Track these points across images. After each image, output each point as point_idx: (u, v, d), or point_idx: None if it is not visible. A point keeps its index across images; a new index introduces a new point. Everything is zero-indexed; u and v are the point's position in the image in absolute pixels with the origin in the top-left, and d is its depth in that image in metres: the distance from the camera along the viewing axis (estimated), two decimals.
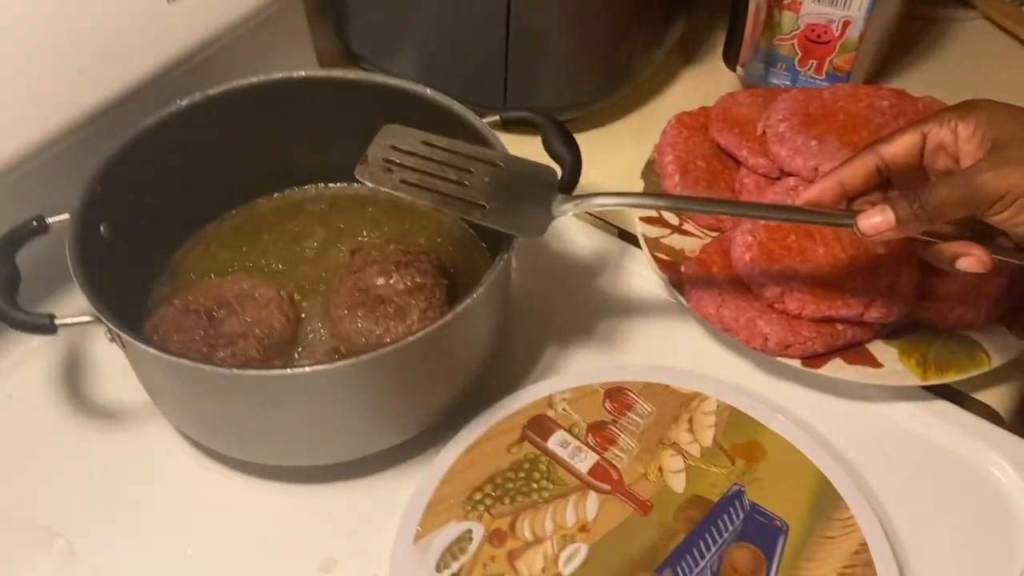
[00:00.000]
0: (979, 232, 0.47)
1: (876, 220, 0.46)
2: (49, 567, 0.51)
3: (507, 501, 0.52)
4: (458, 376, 0.56)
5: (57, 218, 0.52)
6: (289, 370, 0.47)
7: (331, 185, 0.67)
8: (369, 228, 0.65)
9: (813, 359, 0.56)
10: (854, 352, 0.57)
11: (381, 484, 0.55)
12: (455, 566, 0.50)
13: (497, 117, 0.58)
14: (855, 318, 0.56)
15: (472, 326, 0.54)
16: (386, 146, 0.53)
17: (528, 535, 0.51)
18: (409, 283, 0.58)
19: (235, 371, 0.48)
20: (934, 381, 0.55)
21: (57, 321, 0.48)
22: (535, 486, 0.53)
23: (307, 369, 0.47)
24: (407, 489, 0.53)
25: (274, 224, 0.65)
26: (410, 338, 0.48)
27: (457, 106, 0.59)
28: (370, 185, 0.51)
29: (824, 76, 0.74)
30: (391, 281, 0.58)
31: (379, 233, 0.64)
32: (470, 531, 0.51)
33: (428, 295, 0.58)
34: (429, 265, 0.59)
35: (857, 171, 0.49)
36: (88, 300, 0.48)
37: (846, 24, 0.70)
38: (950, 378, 0.55)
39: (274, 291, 0.59)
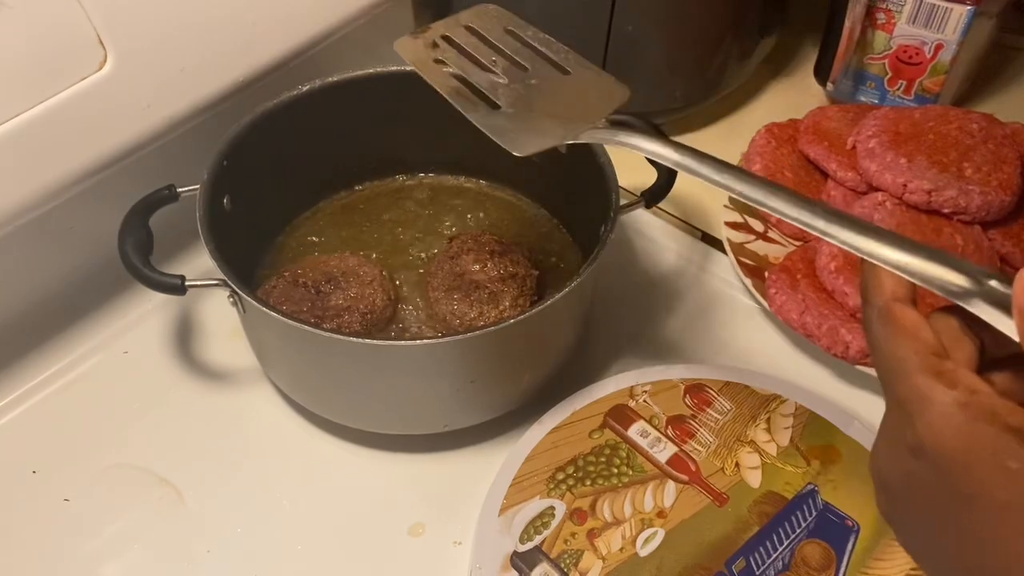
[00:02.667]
0: None
1: None
2: (160, 509, 0.55)
3: (588, 483, 0.55)
4: (546, 361, 0.58)
5: (186, 188, 0.56)
6: (399, 341, 0.51)
7: (430, 175, 0.71)
8: (463, 218, 0.68)
9: None
10: None
11: (469, 458, 0.58)
12: (537, 539, 0.52)
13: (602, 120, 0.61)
14: None
15: (562, 316, 0.57)
16: (459, 24, 0.50)
17: (608, 516, 0.54)
18: (502, 271, 0.61)
19: (350, 338, 0.51)
20: None
21: (187, 282, 0.52)
22: (615, 471, 0.56)
23: (416, 342, 0.50)
24: (493, 465, 0.55)
25: (377, 208, 0.68)
26: (511, 320, 0.51)
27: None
28: (401, 55, 0.49)
29: (912, 96, 0.75)
30: (486, 268, 0.61)
31: (473, 223, 0.68)
32: (552, 508, 0.54)
33: (519, 284, 0.61)
34: (521, 256, 0.62)
35: None
36: (217, 265, 0.51)
37: (939, 47, 0.72)
38: None
39: (377, 270, 0.62)
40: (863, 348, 0.57)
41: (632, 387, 0.59)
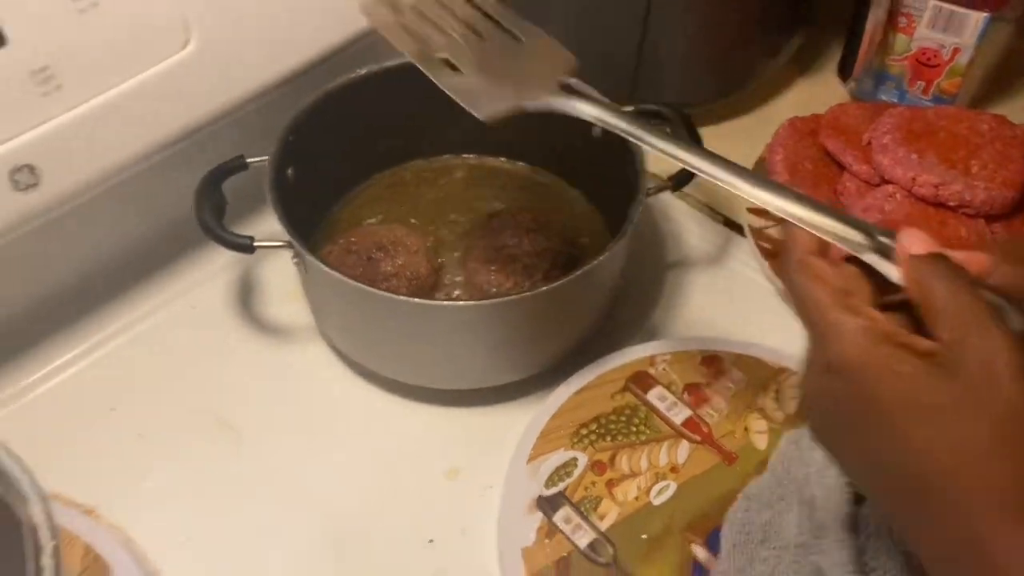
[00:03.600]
0: None
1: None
2: (221, 451, 0.61)
3: (608, 439, 0.60)
4: (573, 328, 0.64)
5: (255, 159, 0.62)
6: (442, 302, 0.57)
7: (474, 156, 0.76)
8: (503, 197, 0.73)
9: None
10: None
11: (502, 413, 0.63)
12: (561, 485, 0.58)
13: (632, 108, 0.66)
14: None
15: (589, 288, 0.62)
16: None
17: (625, 468, 0.59)
18: (537, 246, 0.66)
19: (400, 297, 0.57)
20: None
21: (255, 243, 0.58)
22: (634, 429, 0.61)
23: (456, 303, 0.57)
24: (523, 419, 0.61)
25: (423, 185, 0.74)
26: (542, 288, 0.57)
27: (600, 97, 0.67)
28: (364, 17, 0.53)
29: (930, 97, 0.80)
30: (522, 244, 0.66)
31: (512, 202, 0.73)
32: (575, 459, 0.59)
33: (552, 258, 0.66)
34: (555, 233, 0.68)
35: None
36: (284, 228, 0.57)
37: (956, 51, 0.76)
38: None
39: (422, 242, 0.68)
40: None
41: (653, 356, 0.64)
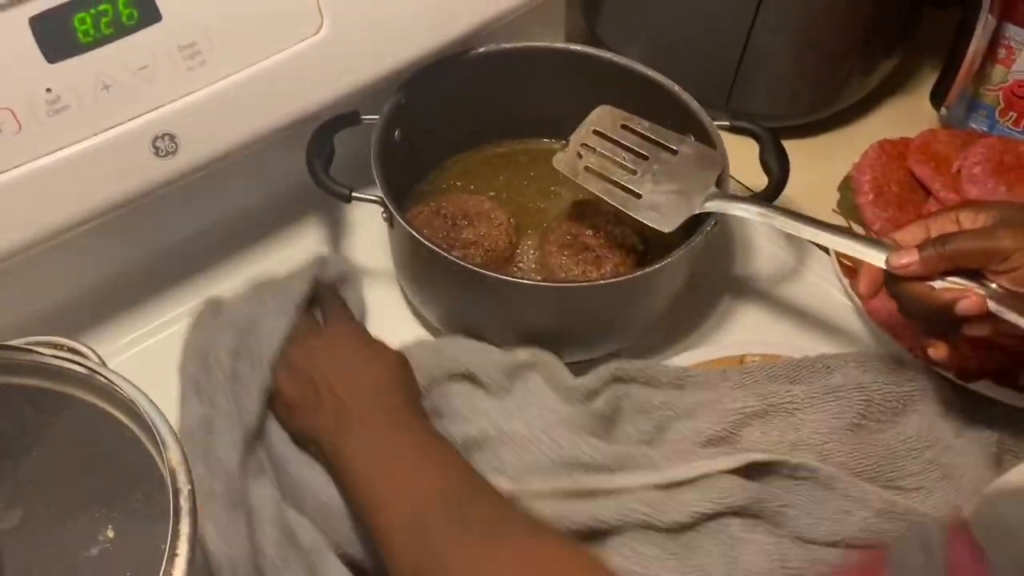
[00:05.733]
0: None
1: (904, 260, 0.53)
2: None
3: None
4: (634, 322, 0.67)
5: (367, 117, 0.66)
6: (508, 277, 0.61)
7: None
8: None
9: (967, 374, 0.64)
10: (1005, 376, 0.65)
11: None
12: None
13: (728, 123, 0.69)
14: (1013, 346, 0.64)
15: (654, 288, 0.65)
16: (589, 131, 0.65)
17: None
18: (612, 240, 0.69)
19: (469, 266, 0.60)
20: None
21: (354, 194, 0.63)
22: None
23: (520, 280, 0.62)
24: None
25: (519, 164, 0.78)
26: (600, 282, 0.62)
27: (695, 104, 0.69)
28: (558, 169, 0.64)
29: (1021, 129, 0.81)
30: (598, 235, 0.70)
31: None
32: None
33: (624, 254, 0.69)
34: (631, 230, 0.70)
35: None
36: (379, 185, 0.62)
37: None
38: None
39: (506, 216, 0.71)
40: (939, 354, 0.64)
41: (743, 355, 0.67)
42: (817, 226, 0.58)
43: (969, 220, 0.54)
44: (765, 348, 0.68)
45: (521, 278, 0.65)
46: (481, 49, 0.71)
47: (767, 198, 0.67)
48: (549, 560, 0.46)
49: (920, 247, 0.53)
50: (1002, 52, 0.78)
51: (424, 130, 0.70)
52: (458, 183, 0.76)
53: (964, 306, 0.52)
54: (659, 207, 0.62)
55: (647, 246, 0.71)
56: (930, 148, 0.75)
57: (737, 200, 0.62)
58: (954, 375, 0.64)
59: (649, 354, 0.68)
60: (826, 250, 0.73)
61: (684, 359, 0.67)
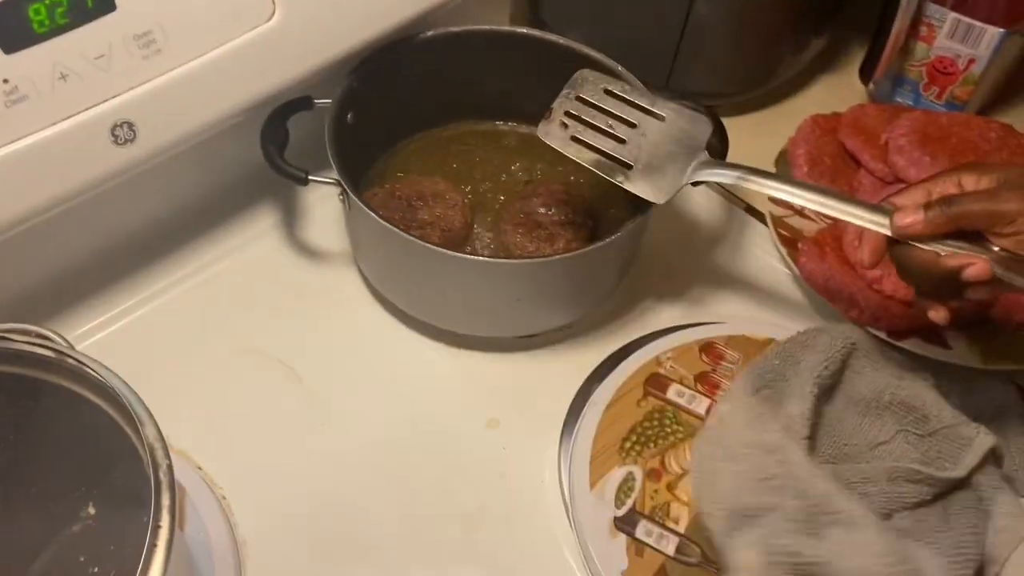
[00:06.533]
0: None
1: (908, 220, 0.53)
2: (280, 386, 0.67)
3: (651, 445, 0.63)
4: (587, 294, 0.70)
5: (320, 101, 0.68)
6: (464, 255, 0.65)
7: (522, 125, 0.81)
8: (542, 167, 0.78)
9: (897, 334, 0.69)
10: (931, 334, 0.69)
11: (534, 363, 0.70)
12: (629, 502, 0.60)
13: (667, 93, 0.71)
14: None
15: (604, 262, 0.68)
16: (572, 97, 0.64)
17: (676, 468, 0.62)
18: (563, 217, 0.72)
19: (426, 244, 0.62)
20: (993, 367, 0.67)
21: (310, 177, 0.64)
22: (668, 430, 0.64)
23: (476, 258, 0.66)
24: (553, 373, 0.68)
25: (471, 146, 0.80)
26: (554, 257, 0.65)
27: (638, 84, 0.72)
28: (545, 141, 0.63)
29: (943, 102, 0.85)
30: (550, 213, 0.72)
31: (551, 172, 0.78)
32: (631, 472, 0.62)
33: (576, 229, 0.72)
34: (582, 207, 0.73)
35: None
36: (334, 167, 0.64)
37: (971, 61, 0.82)
38: (1007, 366, 0.67)
39: (460, 197, 0.73)
40: (875, 313, 0.68)
41: (657, 356, 0.68)
42: (817, 192, 0.57)
43: (972, 182, 0.53)
44: (715, 318, 0.71)
45: (481, 256, 0.67)
46: (429, 33, 0.73)
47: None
48: None
49: (925, 207, 0.53)
50: (924, 30, 0.82)
51: (376, 113, 0.72)
52: (415, 166, 0.78)
53: (972, 272, 0.52)
54: (651, 178, 0.61)
55: (595, 221, 0.73)
56: (859, 122, 0.80)
57: (730, 168, 0.61)
58: (886, 334, 0.68)
59: (598, 328, 0.71)
60: (764, 221, 0.77)
61: (634, 364, 0.68)
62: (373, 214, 0.63)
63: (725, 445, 0.60)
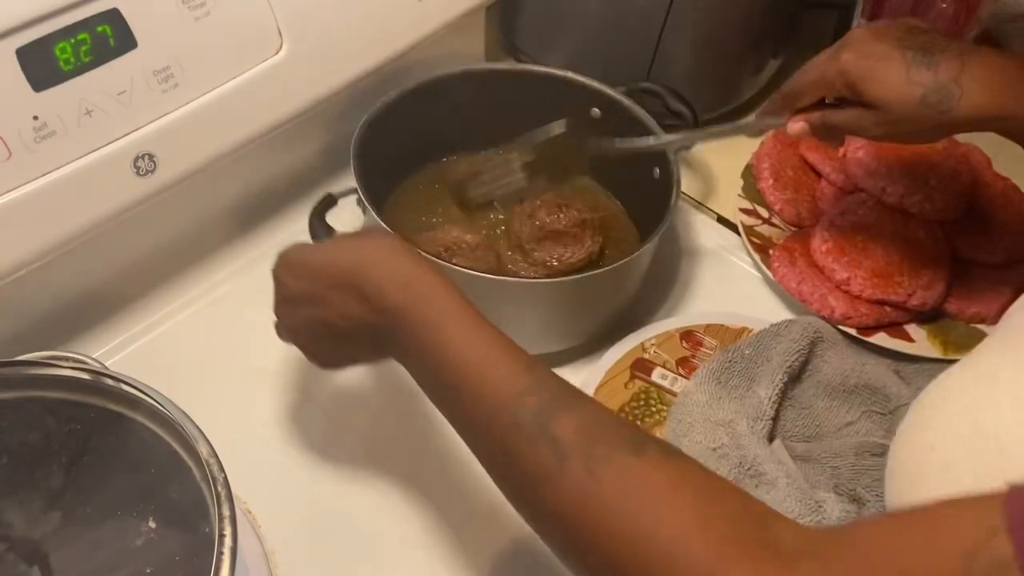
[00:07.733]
0: None
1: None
2: (297, 401, 0.70)
3: (638, 423, 0.68)
4: (610, 306, 0.74)
5: (340, 194, 0.71)
6: (504, 277, 0.68)
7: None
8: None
9: (866, 330, 0.75)
10: (896, 329, 0.75)
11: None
12: None
13: (624, 88, 0.78)
14: (900, 304, 0.74)
15: (630, 272, 0.73)
16: (465, 180, 0.73)
17: None
18: (575, 217, 0.76)
19: (441, 262, 0.65)
20: (952, 357, 0.74)
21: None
22: (654, 409, 0.69)
23: (522, 280, 0.70)
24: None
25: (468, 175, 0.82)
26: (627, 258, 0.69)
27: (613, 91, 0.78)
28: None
29: None
30: (559, 218, 0.76)
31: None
32: None
33: (592, 226, 0.76)
34: (583, 205, 0.77)
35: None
36: (356, 181, 0.68)
37: None
38: (964, 355, 0.74)
39: (479, 238, 0.75)
40: (845, 312, 0.74)
41: (642, 343, 0.73)
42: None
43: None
44: (704, 319, 0.76)
45: (528, 277, 0.70)
46: (433, 75, 0.77)
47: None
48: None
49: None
50: None
51: (386, 150, 0.75)
52: (417, 195, 0.81)
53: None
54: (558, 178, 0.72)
55: (592, 209, 0.78)
56: None
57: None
58: (855, 331, 0.74)
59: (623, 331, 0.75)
60: (737, 231, 0.83)
61: (620, 350, 0.73)
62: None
63: (689, 421, 0.67)
